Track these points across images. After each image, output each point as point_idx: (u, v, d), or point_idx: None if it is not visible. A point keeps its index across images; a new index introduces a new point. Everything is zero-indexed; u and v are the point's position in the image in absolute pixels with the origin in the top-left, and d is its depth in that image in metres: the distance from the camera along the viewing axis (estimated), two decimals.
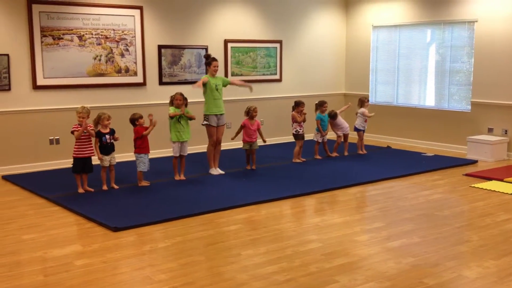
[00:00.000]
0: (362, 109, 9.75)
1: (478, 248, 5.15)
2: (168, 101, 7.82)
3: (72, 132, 6.94)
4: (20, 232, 5.62)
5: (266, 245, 5.21)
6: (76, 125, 6.95)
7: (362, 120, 9.74)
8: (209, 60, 8.06)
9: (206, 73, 8.16)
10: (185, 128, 7.68)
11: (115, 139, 7.21)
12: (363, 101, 9.83)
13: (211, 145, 8.12)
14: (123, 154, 8.53)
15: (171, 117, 7.58)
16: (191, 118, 7.66)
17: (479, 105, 9.79)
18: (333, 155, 9.44)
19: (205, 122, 8.03)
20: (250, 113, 8.38)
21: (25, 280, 4.40)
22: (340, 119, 9.65)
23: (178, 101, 7.59)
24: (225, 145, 9.96)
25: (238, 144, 10.22)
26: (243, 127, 8.41)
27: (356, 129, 9.80)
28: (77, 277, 4.46)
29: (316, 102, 9.41)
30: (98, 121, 7.10)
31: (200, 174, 8.09)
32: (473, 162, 9.11)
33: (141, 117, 7.32)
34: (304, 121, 8.97)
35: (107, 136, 7.12)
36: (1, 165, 8.25)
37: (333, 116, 9.52)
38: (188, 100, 7.82)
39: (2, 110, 8.21)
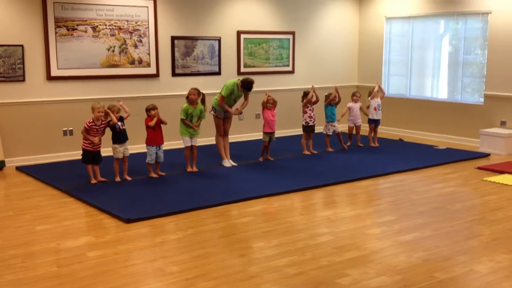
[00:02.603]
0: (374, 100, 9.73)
1: (490, 242, 5.14)
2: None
3: (86, 131, 6.96)
4: (33, 223, 5.68)
5: (277, 237, 5.23)
6: (90, 120, 6.97)
7: (372, 112, 9.70)
8: (245, 90, 8.09)
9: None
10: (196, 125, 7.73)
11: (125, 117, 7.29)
12: (370, 92, 9.82)
13: (219, 136, 8.16)
14: (136, 145, 8.58)
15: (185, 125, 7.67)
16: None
17: (492, 97, 9.72)
18: (347, 144, 9.52)
19: (212, 113, 8.07)
20: (265, 104, 8.39)
21: (38, 271, 4.46)
22: (356, 111, 9.60)
23: (193, 95, 7.62)
24: (238, 137, 10.00)
25: (251, 136, 10.26)
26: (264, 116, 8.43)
27: (368, 121, 9.77)
28: (89, 268, 4.51)
29: (326, 94, 9.40)
30: (108, 113, 7.15)
31: (213, 166, 8.12)
32: (486, 155, 9.07)
33: (153, 108, 7.35)
34: (317, 100, 8.89)
35: (119, 123, 7.17)
36: (15, 156, 8.33)
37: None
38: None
39: (16, 101, 8.27)
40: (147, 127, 7.35)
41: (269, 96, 8.43)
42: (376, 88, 9.80)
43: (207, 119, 8.28)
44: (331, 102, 9.12)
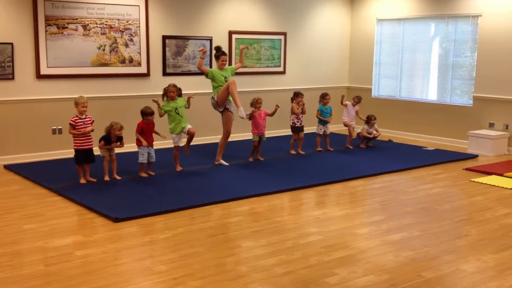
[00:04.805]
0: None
1: (477, 242, 5.18)
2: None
3: (73, 128, 6.90)
4: (21, 222, 5.65)
5: (266, 237, 5.24)
6: (75, 116, 6.93)
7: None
8: (218, 54, 8.05)
9: (211, 67, 8.13)
10: (183, 118, 7.69)
11: (119, 146, 7.22)
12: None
13: (225, 138, 8.12)
14: (126, 145, 8.54)
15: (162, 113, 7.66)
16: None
17: (481, 99, 9.78)
18: (353, 138, 9.74)
19: (214, 100, 8.00)
20: (254, 105, 8.40)
21: (26, 270, 4.44)
22: (353, 111, 9.73)
23: (172, 93, 7.60)
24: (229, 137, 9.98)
25: (241, 136, 10.26)
26: (253, 116, 8.39)
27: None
28: (77, 267, 4.50)
29: (320, 94, 9.44)
30: (109, 129, 7.10)
31: (203, 165, 8.11)
32: (474, 156, 9.12)
33: (151, 113, 7.31)
34: (303, 112, 8.98)
35: (118, 143, 7.17)
36: (3, 154, 8.28)
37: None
38: (195, 91, 7.80)
39: (5, 99, 8.23)
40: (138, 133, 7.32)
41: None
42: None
43: (199, 119, 8.26)
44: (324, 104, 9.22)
